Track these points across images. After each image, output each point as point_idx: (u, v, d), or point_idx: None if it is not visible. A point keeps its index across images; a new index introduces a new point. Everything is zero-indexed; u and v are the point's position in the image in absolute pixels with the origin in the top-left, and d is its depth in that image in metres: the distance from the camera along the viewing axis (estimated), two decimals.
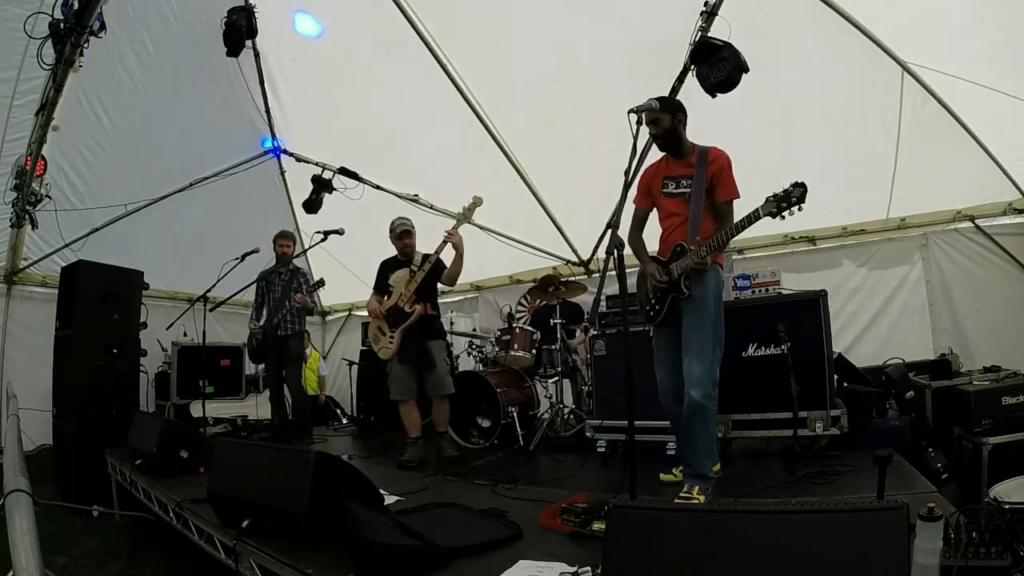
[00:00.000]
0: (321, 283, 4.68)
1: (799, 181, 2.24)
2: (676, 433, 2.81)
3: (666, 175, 2.69)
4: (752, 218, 2.35)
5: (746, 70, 3.21)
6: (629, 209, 2.27)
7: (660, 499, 2.53)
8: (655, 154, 2.81)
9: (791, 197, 2.24)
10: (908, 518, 1.14)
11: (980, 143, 4.05)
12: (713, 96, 3.37)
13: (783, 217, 2.27)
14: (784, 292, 4.05)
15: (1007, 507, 1.94)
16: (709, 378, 2.44)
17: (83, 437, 4.19)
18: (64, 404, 4.46)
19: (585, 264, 6.27)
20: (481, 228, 5.51)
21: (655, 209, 2.79)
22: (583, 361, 4.71)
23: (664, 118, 2.58)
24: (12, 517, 1.95)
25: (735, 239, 2.65)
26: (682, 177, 2.62)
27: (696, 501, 2.37)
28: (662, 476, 2.91)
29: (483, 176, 5.22)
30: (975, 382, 3.41)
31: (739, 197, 2.56)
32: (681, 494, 2.43)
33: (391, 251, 4.06)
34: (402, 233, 3.92)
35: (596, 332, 3.99)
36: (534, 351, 4.61)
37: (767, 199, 2.31)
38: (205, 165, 5.65)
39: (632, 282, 5.76)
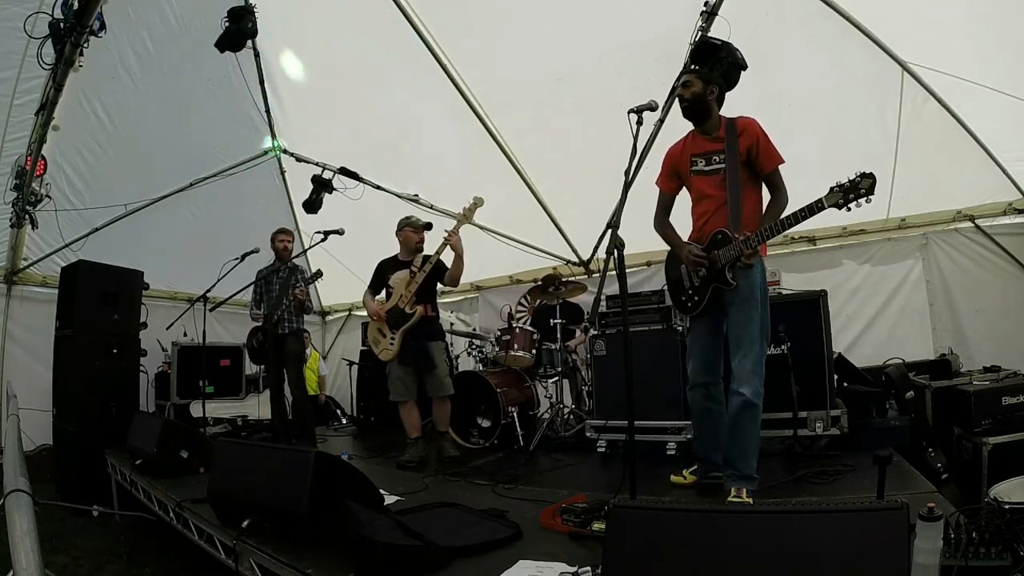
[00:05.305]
0: (319, 274, 4.56)
1: (868, 172, 2.10)
2: (697, 429, 2.71)
3: (693, 152, 2.53)
4: (813, 209, 2.18)
5: (744, 67, 3.20)
6: (629, 209, 2.18)
7: (660, 499, 2.52)
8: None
9: (859, 188, 2.09)
10: (908, 518, 1.13)
11: (980, 143, 4.06)
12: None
13: (848, 209, 2.13)
14: (784, 292, 4.05)
15: (1007, 507, 1.93)
16: (759, 375, 2.34)
17: (83, 437, 4.19)
18: (64, 404, 4.46)
19: (585, 264, 6.27)
20: (481, 228, 5.51)
21: (685, 190, 2.62)
22: (583, 361, 4.71)
23: (695, 83, 2.49)
24: (12, 517, 1.95)
25: None
26: (713, 153, 2.46)
27: (748, 503, 2.25)
28: (672, 478, 2.83)
29: (483, 176, 5.22)
30: (975, 382, 3.41)
31: (784, 162, 2.38)
32: (730, 499, 2.30)
33: (391, 251, 4.05)
34: (423, 225, 3.93)
35: (596, 332, 3.99)
36: (534, 351, 4.61)
37: (832, 189, 2.15)
38: (205, 165, 5.65)
39: (634, 282, 5.74)
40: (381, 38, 4.55)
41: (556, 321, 4.61)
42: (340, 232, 4.51)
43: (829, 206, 2.17)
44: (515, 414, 4.18)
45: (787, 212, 2.33)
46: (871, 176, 2.11)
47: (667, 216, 2.71)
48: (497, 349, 4.82)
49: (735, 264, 2.37)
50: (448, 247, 3.71)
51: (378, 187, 5.66)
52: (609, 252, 2.05)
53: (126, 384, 4.69)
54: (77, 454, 4.17)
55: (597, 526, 2.03)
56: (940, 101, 3.94)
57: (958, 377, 3.73)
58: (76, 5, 3.10)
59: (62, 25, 3.20)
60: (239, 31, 3.95)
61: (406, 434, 3.88)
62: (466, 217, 3.82)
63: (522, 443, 4.05)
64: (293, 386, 4.68)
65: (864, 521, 1.15)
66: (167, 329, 5.47)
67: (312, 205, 5.50)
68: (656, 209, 2.73)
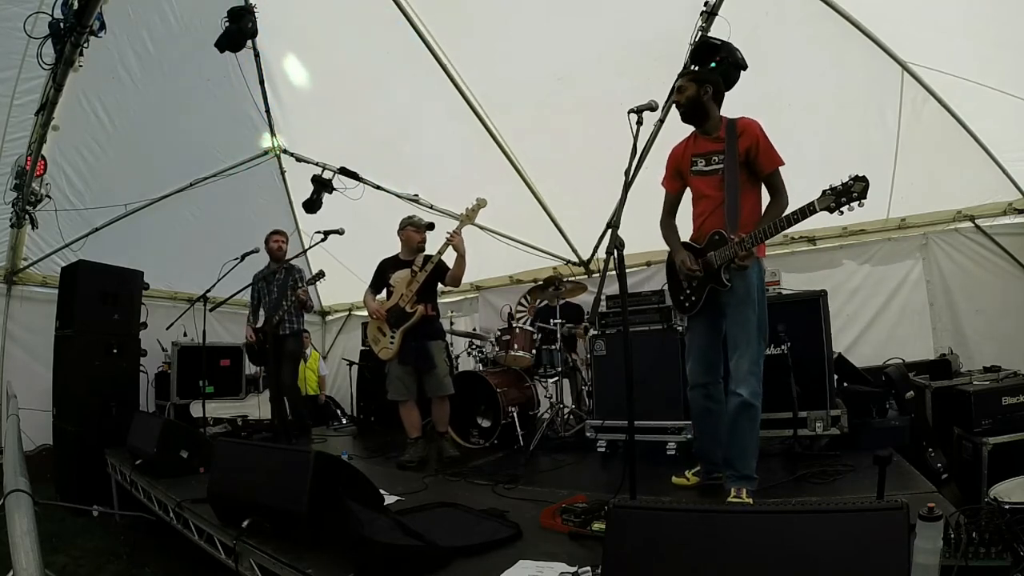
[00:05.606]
0: (321, 275, 4.53)
1: (860, 175, 2.09)
2: (697, 429, 2.72)
3: (694, 153, 2.56)
4: (806, 212, 2.19)
5: (744, 67, 3.19)
6: (629, 209, 2.19)
7: (660, 499, 2.52)
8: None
9: (851, 192, 2.08)
10: (908, 518, 1.13)
11: (980, 143, 4.06)
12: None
13: (841, 212, 2.12)
14: (784, 292, 4.06)
15: (1007, 507, 1.93)
16: (756, 375, 2.35)
17: (83, 437, 4.19)
18: (64, 404, 4.46)
19: (585, 264, 6.27)
20: (481, 228, 5.51)
21: (688, 190, 2.64)
22: (583, 361, 4.71)
23: (689, 87, 2.51)
24: (12, 517, 1.95)
25: None
26: (713, 153, 2.48)
27: (748, 503, 2.25)
28: (674, 479, 2.81)
29: (483, 176, 5.23)
30: (975, 382, 3.41)
31: (784, 164, 2.39)
32: (730, 499, 2.29)
33: (391, 251, 4.05)
34: (425, 225, 3.92)
35: (596, 332, 3.99)
36: (534, 351, 4.61)
37: (824, 192, 2.15)
38: (205, 165, 5.66)
39: (634, 282, 5.74)
40: (381, 38, 4.55)
41: (556, 321, 4.61)
42: (340, 232, 4.51)
43: (821, 209, 2.16)
44: (515, 414, 4.18)
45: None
46: (864, 179, 2.09)
47: (673, 217, 2.71)
48: (497, 349, 4.82)
49: (730, 265, 2.38)
50: (450, 247, 3.71)
51: (378, 187, 5.67)
52: (609, 252, 2.06)
53: (126, 384, 4.69)
54: (77, 454, 4.17)
55: (597, 526, 2.03)
56: (940, 101, 3.94)
57: (958, 377, 3.73)
58: (76, 5, 3.11)
59: (62, 25, 3.21)
60: (239, 31, 3.95)
61: (406, 434, 3.88)
62: (469, 218, 3.82)
63: (522, 443, 4.05)
64: (286, 385, 4.69)
65: (864, 521, 1.15)
66: (167, 329, 5.48)
67: (312, 205, 5.51)
68: (662, 210, 2.73)
